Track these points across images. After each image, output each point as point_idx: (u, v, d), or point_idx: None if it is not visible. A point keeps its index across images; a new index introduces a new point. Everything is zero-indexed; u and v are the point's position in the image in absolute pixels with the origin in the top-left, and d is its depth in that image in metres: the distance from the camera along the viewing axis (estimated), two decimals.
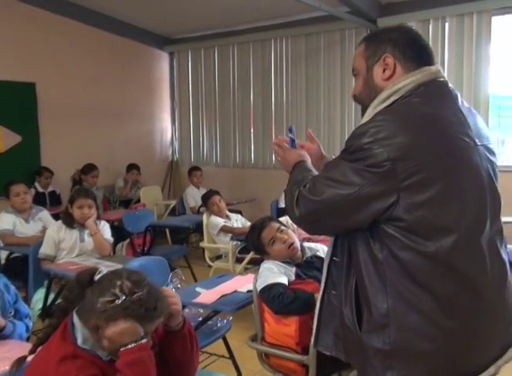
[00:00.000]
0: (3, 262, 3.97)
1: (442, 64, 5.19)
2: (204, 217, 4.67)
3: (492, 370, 1.37)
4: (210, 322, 2.60)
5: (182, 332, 1.57)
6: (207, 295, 2.53)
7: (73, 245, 3.44)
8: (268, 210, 5.72)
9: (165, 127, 7.76)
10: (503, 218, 3.91)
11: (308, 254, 2.52)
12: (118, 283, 1.42)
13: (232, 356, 2.84)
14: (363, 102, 1.51)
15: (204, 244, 4.65)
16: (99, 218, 3.61)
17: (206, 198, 4.82)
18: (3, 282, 2.31)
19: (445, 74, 1.48)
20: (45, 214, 4.34)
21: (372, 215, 1.30)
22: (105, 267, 1.56)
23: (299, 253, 2.49)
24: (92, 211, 3.48)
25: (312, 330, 1.57)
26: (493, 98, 5.23)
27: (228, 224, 4.66)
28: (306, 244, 2.61)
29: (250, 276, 2.60)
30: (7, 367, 1.58)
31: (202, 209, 5.44)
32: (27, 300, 3.29)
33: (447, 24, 5.28)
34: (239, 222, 4.83)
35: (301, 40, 6.36)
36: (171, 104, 7.79)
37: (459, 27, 5.22)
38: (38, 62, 5.90)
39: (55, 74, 6.09)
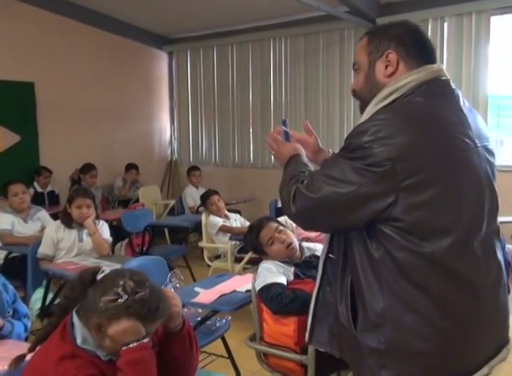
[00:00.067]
0: (2, 261, 3.97)
1: (441, 64, 5.20)
2: (203, 217, 4.67)
3: (485, 370, 1.37)
4: (208, 322, 2.60)
5: (181, 333, 1.57)
6: (206, 295, 2.53)
7: (71, 245, 3.43)
8: (267, 210, 5.72)
9: (164, 126, 7.75)
10: (501, 218, 3.90)
11: (307, 253, 2.52)
12: (121, 282, 1.42)
13: (230, 356, 2.84)
14: (363, 98, 1.49)
15: (203, 243, 4.65)
16: (97, 217, 3.61)
17: (205, 198, 4.82)
18: (1, 282, 2.31)
19: None
20: (43, 214, 4.34)
21: (369, 214, 1.28)
22: (108, 267, 1.56)
23: (298, 253, 2.49)
24: (91, 211, 3.48)
25: (307, 326, 1.56)
26: (492, 98, 5.23)
27: (227, 224, 4.66)
28: (305, 244, 2.62)
29: (249, 276, 2.60)
30: (5, 367, 1.58)
31: (201, 209, 5.44)
32: (26, 300, 3.28)
33: (446, 24, 5.28)
34: (238, 221, 4.83)
35: (300, 40, 6.36)
36: (170, 104, 7.79)
37: (458, 26, 5.22)
38: (37, 61, 5.89)
39: (54, 74, 6.09)
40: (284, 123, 1.71)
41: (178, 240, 5.74)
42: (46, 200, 5.72)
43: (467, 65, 5.18)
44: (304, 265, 2.43)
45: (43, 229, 3.87)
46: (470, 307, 1.32)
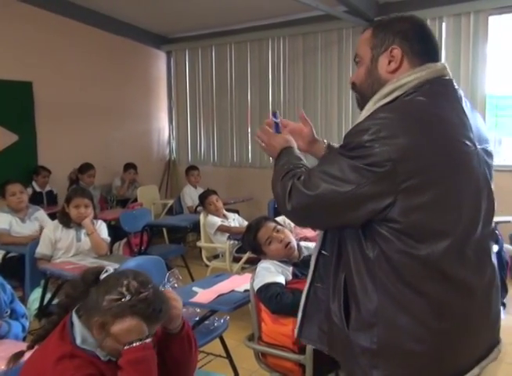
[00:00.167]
0: None
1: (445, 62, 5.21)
2: (201, 216, 4.67)
3: (476, 371, 1.36)
4: (207, 321, 2.60)
5: (180, 334, 1.57)
6: (204, 295, 2.53)
7: (69, 245, 3.43)
8: (265, 209, 5.72)
9: (162, 126, 7.75)
10: (499, 218, 3.92)
11: (305, 253, 2.52)
12: (125, 282, 1.42)
13: (229, 356, 2.84)
14: (363, 92, 1.46)
15: (201, 243, 4.64)
16: (95, 217, 3.61)
17: (203, 197, 4.82)
18: None
19: None
20: (41, 213, 4.33)
21: (366, 214, 1.26)
22: (111, 267, 1.56)
23: (296, 252, 2.49)
24: (89, 211, 3.47)
25: (297, 321, 1.55)
26: (490, 98, 5.24)
27: (226, 223, 4.66)
28: (303, 244, 2.62)
29: (248, 276, 2.61)
30: (2, 367, 1.58)
31: (199, 208, 5.44)
32: (24, 300, 3.28)
33: (444, 24, 5.29)
34: (236, 221, 4.83)
35: (299, 39, 6.36)
36: (169, 103, 7.78)
37: (456, 26, 5.23)
38: (35, 61, 5.88)
39: (52, 73, 6.08)
40: (274, 115, 1.66)
41: (177, 240, 5.73)
42: (44, 199, 5.71)
43: (465, 65, 5.18)
44: (303, 265, 2.43)
45: (41, 228, 3.87)
46: (464, 309, 1.31)
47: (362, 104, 1.46)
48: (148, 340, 1.40)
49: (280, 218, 2.89)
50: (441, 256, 1.26)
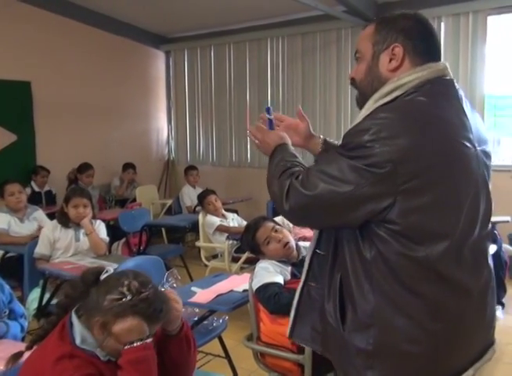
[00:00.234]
0: None
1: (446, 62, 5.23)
2: (200, 216, 4.67)
3: (470, 372, 1.36)
4: (205, 321, 2.60)
5: (179, 335, 1.57)
6: (203, 295, 2.53)
7: (68, 245, 3.42)
8: (264, 209, 5.72)
9: (161, 126, 7.75)
10: (497, 218, 3.93)
11: (304, 253, 2.52)
12: (126, 282, 1.43)
13: (227, 356, 2.84)
14: (362, 89, 1.44)
15: (200, 243, 4.64)
16: (94, 217, 3.60)
17: (202, 197, 4.82)
18: None
19: None
20: (39, 213, 4.32)
21: (365, 215, 1.25)
22: (111, 267, 1.56)
23: (294, 252, 2.49)
24: (88, 211, 3.47)
25: (289, 320, 1.54)
26: (489, 97, 5.25)
27: (225, 223, 4.66)
28: (301, 243, 2.62)
29: (246, 276, 2.61)
30: (1, 367, 1.57)
31: (198, 208, 5.44)
32: (23, 300, 3.27)
33: (443, 24, 5.29)
34: (235, 221, 4.83)
35: (298, 39, 6.36)
36: (167, 103, 7.78)
37: (455, 26, 5.23)
38: (34, 60, 5.88)
39: (51, 73, 6.08)
40: (268, 110, 1.62)
41: (176, 240, 5.73)
42: (43, 199, 5.71)
43: (464, 65, 5.19)
44: (301, 265, 2.40)
45: (40, 228, 3.87)
46: (460, 310, 1.31)
47: (360, 101, 1.44)
48: (149, 340, 1.41)
49: (279, 218, 2.89)
50: (439, 258, 1.25)
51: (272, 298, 2.19)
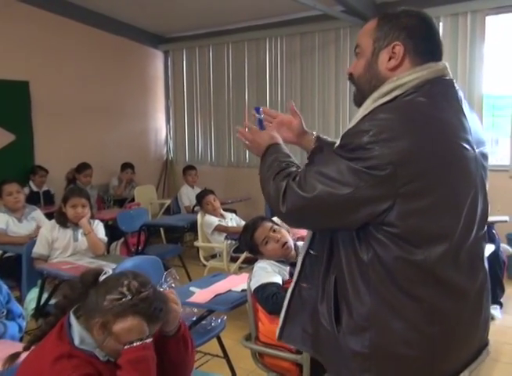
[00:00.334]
0: None
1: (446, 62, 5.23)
2: (199, 216, 4.67)
3: (465, 374, 1.36)
4: (204, 321, 2.60)
5: (176, 336, 1.57)
6: (202, 295, 2.53)
7: (66, 245, 3.42)
8: (262, 209, 5.72)
9: (160, 126, 7.74)
10: (496, 218, 3.93)
11: None
12: (125, 282, 1.43)
13: (226, 356, 2.84)
14: (359, 86, 1.42)
15: (199, 243, 4.64)
16: (92, 217, 3.60)
17: (200, 197, 4.82)
18: None
19: None
20: (38, 213, 4.32)
21: (363, 218, 1.23)
22: (110, 268, 1.56)
23: (293, 252, 2.49)
24: (86, 211, 3.47)
25: (279, 321, 1.52)
26: (487, 97, 5.25)
27: (223, 223, 4.66)
28: (299, 243, 2.61)
29: (245, 276, 2.61)
30: None
31: (196, 208, 5.43)
32: (21, 300, 3.27)
33: (441, 24, 5.29)
34: (233, 221, 4.83)
35: (296, 39, 6.36)
36: (166, 103, 7.78)
37: (454, 26, 5.24)
38: (32, 60, 5.87)
39: (49, 73, 6.07)
40: (257, 110, 1.59)
41: (174, 240, 5.73)
42: (41, 199, 5.70)
43: (463, 65, 5.19)
44: None
45: (39, 228, 3.86)
46: (456, 313, 1.30)
47: (358, 98, 1.43)
48: (148, 340, 1.41)
49: (277, 218, 2.89)
50: (437, 261, 1.24)
51: (270, 298, 2.19)
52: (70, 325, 1.45)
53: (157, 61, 7.61)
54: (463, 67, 5.19)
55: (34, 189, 5.72)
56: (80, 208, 3.43)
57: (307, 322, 1.43)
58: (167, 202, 6.47)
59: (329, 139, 1.70)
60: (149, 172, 7.42)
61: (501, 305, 4.01)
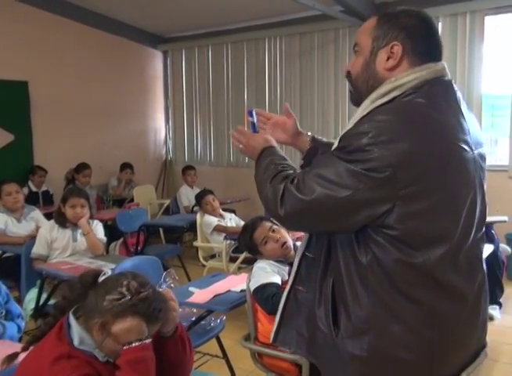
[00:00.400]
0: None
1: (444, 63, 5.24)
2: (198, 216, 4.67)
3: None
4: (203, 321, 2.60)
5: (173, 337, 1.57)
6: (201, 295, 2.53)
7: (66, 245, 3.42)
8: (261, 209, 5.62)
9: (159, 126, 7.74)
10: (495, 218, 3.93)
11: None
12: (125, 282, 1.43)
13: (225, 356, 2.84)
14: (356, 86, 1.40)
15: (198, 243, 4.64)
16: (91, 217, 3.60)
17: (200, 197, 4.82)
18: None
19: None
20: (37, 213, 4.32)
21: (362, 221, 1.22)
22: (109, 269, 1.56)
23: (292, 252, 2.49)
24: (85, 211, 3.47)
25: (273, 325, 1.51)
26: (486, 97, 5.25)
27: (222, 223, 4.66)
28: (299, 243, 2.61)
29: (244, 276, 2.60)
30: None
31: (196, 208, 5.43)
32: (20, 300, 3.27)
33: (440, 24, 5.29)
34: (232, 221, 4.82)
35: (295, 39, 6.36)
36: (165, 103, 7.77)
37: (453, 26, 5.24)
38: (31, 60, 5.86)
39: (48, 73, 6.06)
40: (250, 113, 1.58)
41: (173, 240, 5.73)
42: (40, 199, 5.70)
43: (462, 65, 5.19)
44: None
45: (38, 228, 3.86)
46: (455, 316, 1.29)
47: (354, 97, 1.42)
48: (147, 340, 1.41)
49: None
50: (436, 263, 1.23)
51: (269, 298, 2.19)
52: (69, 326, 1.45)
53: (156, 61, 7.61)
54: (462, 67, 5.19)
55: (33, 189, 5.71)
56: (79, 208, 3.43)
57: (302, 325, 1.41)
58: (167, 202, 6.47)
59: (324, 140, 1.70)
60: (149, 172, 7.41)
61: (500, 305, 4.01)
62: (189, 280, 4.40)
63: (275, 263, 2.42)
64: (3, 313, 2.23)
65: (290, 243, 2.51)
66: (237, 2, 5.84)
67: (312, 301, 1.38)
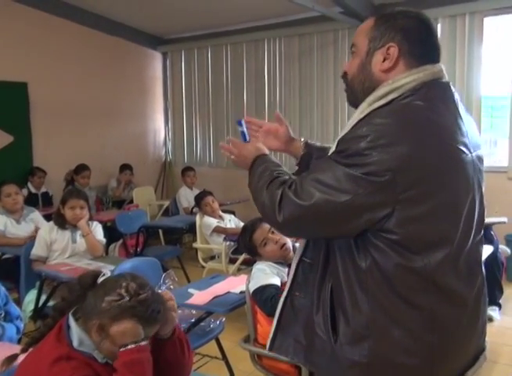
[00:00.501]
0: None
1: (442, 65, 5.24)
2: (197, 217, 4.66)
3: None
4: (202, 323, 2.59)
5: (171, 339, 1.57)
6: (200, 296, 2.53)
7: (65, 246, 3.42)
8: None
9: (158, 127, 7.74)
10: (494, 219, 3.93)
11: None
12: (124, 284, 1.43)
13: (225, 358, 2.84)
14: (352, 86, 1.39)
15: (197, 244, 4.64)
16: (91, 219, 3.60)
17: (199, 199, 4.82)
18: None
19: None
20: (36, 215, 4.31)
21: (361, 225, 1.21)
22: (108, 270, 1.56)
23: (291, 254, 2.49)
24: (84, 212, 3.47)
25: (270, 332, 1.48)
26: (485, 99, 5.25)
27: (222, 224, 4.65)
28: (298, 245, 2.61)
29: (243, 277, 2.60)
30: None
31: (195, 210, 5.43)
32: (19, 301, 3.27)
33: (439, 25, 5.29)
34: (232, 222, 4.82)
35: (295, 40, 6.37)
36: (165, 104, 7.77)
37: (452, 28, 5.24)
38: (30, 61, 5.86)
39: (48, 74, 6.06)
40: (240, 123, 1.57)
41: (173, 241, 5.73)
42: (40, 201, 5.70)
43: (461, 66, 5.20)
44: None
45: (37, 229, 3.86)
46: (455, 320, 1.29)
47: (350, 98, 1.41)
48: (143, 342, 1.41)
49: None
50: (437, 267, 1.22)
51: (268, 300, 2.19)
52: (68, 327, 1.45)
53: (156, 62, 7.61)
54: (461, 69, 5.20)
55: (33, 190, 5.71)
56: (78, 210, 3.43)
57: (300, 332, 1.39)
58: (166, 203, 6.47)
59: (318, 144, 1.70)
60: (148, 174, 7.41)
61: (500, 306, 4.01)
62: (189, 281, 4.40)
63: (274, 265, 2.42)
64: (2, 315, 2.23)
65: (290, 244, 2.51)
66: (236, 4, 5.84)
67: (310, 307, 1.36)
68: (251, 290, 2.29)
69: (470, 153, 1.30)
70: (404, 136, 1.19)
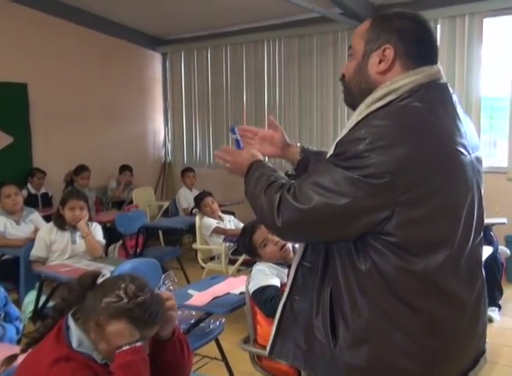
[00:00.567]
0: None
1: (439, 66, 5.24)
2: (197, 218, 4.66)
3: None
4: (202, 324, 2.59)
5: (171, 340, 1.56)
6: (200, 297, 2.53)
7: (64, 247, 3.42)
8: None
9: (158, 128, 7.74)
10: (494, 220, 3.94)
11: None
12: (123, 285, 1.42)
13: (224, 358, 2.84)
14: (349, 88, 1.39)
15: (197, 245, 4.64)
16: (90, 219, 3.60)
17: (199, 199, 4.82)
18: None
19: None
20: (36, 215, 4.31)
21: (361, 228, 1.20)
22: (108, 271, 1.56)
23: (291, 255, 2.49)
24: (84, 213, 3.46)
25: (270, 336, 1.47)
26: (485, 100, 5.26)
27: (221, 225, 4.65)
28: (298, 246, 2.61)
29: (243, 278, 2.60)
30: None
31: (195, 210, 5.43)
32: (19, 302, 3.27)
33: (439, 26, 5.29)
34: (232, 223, 4.82)
35: (294, 41, 6.37)
36: (164, 105, 7.78)
37: (451, 28, 5.24)
38: (30, 62, 5.86)
39: (47, 75, 6.06)
40: (233, 130, 1.55)
41: (172, 242, 5.73)
42: (39, 201, 5.70)
43: (460, 67, 5.20)
44: None
45: (37, 230, 3.85)
46: (456, 323, 1.28)
47: (348, 100, 1.41)
48: (138, 344, 1.39)
49: None
50: (437, 270, 1.22)
51: (268, 301, 2.19)
52: (68, 328, 1.45)
53: (155, 63, 7.61)
54: (460, 70, 5.20)
55: (32, 191, 5.71)
56: (78, 211, 3.43)
57: (300, 337, 1.38)
58: (166, 204, 6.47)
59: (314, 149, 1.70)
60: (148, 174, 7.41)
61: (499, 307, 4.01)
62: (188, 282, 4.39)
63: (274, 266, 2.42)
64: (2, 316, 2.23)
65: (290, 245, 2.51)
66: (236, 5, 5.85)
67: (310, 311, 1.35)
68: (251, 291, 2.29)
69: (469, 154, 1.29)
70: (402, 138, 1.19)
